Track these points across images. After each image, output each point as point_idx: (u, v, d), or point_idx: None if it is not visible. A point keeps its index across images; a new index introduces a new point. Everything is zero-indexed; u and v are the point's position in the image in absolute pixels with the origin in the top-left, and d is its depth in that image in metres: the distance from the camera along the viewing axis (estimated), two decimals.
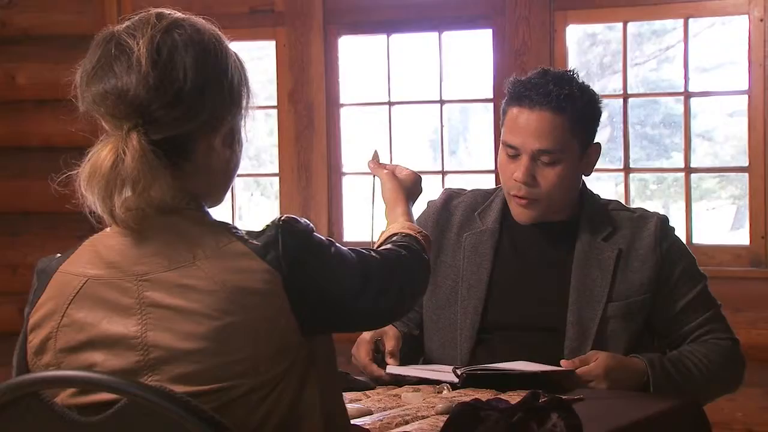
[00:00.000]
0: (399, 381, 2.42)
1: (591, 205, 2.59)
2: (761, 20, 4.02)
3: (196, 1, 4.54)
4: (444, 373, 2.36)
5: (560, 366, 2.38)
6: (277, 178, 4.78)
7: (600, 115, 2.59)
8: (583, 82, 2.57)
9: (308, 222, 1.67)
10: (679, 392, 2.41)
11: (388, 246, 1.81)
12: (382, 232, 1.93)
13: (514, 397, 2.03)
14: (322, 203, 4.57)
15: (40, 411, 1.56)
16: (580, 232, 2.54)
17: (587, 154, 2.57)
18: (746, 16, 4.07)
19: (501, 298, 2.55)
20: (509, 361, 2.40)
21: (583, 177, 2.63)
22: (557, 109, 2.48)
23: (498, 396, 2.07)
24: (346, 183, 4.64)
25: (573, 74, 2.57)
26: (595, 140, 2.59)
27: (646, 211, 2.60)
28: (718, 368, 2.49)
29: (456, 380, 2.31)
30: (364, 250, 1.73)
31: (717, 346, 2.51)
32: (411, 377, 2.41)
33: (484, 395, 2.15)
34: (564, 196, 2.55)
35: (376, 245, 1.86)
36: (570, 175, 2.53)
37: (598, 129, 2.61)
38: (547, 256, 2.56)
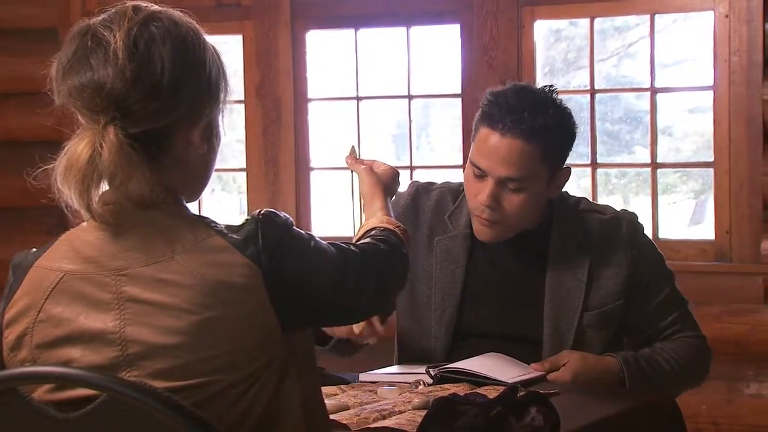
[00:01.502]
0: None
1: (562, 208, 2.55)
2: (726, 16, 4.05)
3: None
4: (418, 375, 2.35)
5: (520, 362, 2.38)
6: (240, 173, 4.76)
7: (574, 139, 2.49)
8: (560, 104, 2.47)
9: (287, 216, 1.66)
10: (652, 387, 2.42)
11: (367, 240, 1.80)
12: (361, 227, 1.93)
13: (491, 392, 2.03)
14: (290, 198, 4.55)
15: (18, 407, 1.54)
16: (552, 239, 2.52)
17: (556, 178, 2.50)
18: (711, 12, 4.10)
19: (476, 307, 2.54)
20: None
21: None
22: (530, 139, 2.39)
23: (476, 391, 2.07)
24: (314, 178, 4.63)
25: (551, 95, 2.46)
26: (566, 164, 2.51)
27: (617, 211, 2.57)
28: (687, 364, 2.52)
29: (429, 382, 2.30)
30: (343, 244, 1.72)
31: (686, 344, 2.54)
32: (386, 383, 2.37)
33: (461, 390, 2.15)
34: (527, 218, 2.50)
35: (354, 239, 1.86)
36: (535, 201, 2.47)
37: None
38: (521, 263, 2.54)
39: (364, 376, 2.40)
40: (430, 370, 2.32)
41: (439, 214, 2.60)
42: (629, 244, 2.51)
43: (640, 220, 2.59)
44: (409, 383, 2.31)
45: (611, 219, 2.55)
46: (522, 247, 2.53)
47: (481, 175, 2.44)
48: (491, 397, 1.85)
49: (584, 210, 2.56)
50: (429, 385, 2.29)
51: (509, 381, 2.25)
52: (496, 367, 2.33)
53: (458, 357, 2.48)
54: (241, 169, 4.68)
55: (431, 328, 2.54)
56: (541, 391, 1.95)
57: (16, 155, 4.75)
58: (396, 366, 2.53)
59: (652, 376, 2.45)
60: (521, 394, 1.85)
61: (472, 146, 2.48)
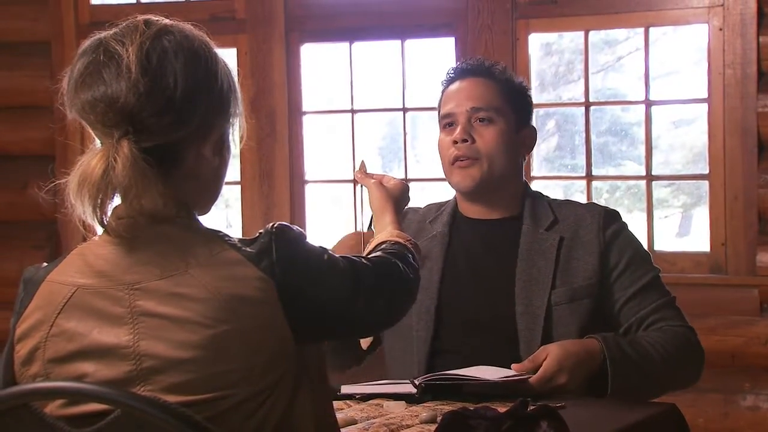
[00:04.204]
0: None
1: (535, 199, 2.63)
2: (720, 29, 4.07)
3: (157, 7, 4.51)
4: (401, 386, 2.31)
5: (511, 369, 2.34)
6: (227, 187, 4.75)
7: (530, 100, 2.68)
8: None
9: (300, 229, 1.66)
10: (639, 373, 2.38)
11: (378, 253, 1.80)
12: (371, 240, 1.93)
13: (500, 407, 2.02)
14: (285, 211, 4.54)
15: (31, 422, 1.53)
16: (524, 225, 2.58)
17: (521, 135, 2.63)
18: (706, 25, 4.12)
19: (453, 297, 2.57)
20: (466, 366, 2.38)
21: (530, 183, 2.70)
22: (487, 76, 2.63)
23: (486, 405, 2.06)
24: (309, 191, 4.62)
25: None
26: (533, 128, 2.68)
27: (596, 204, 2.66)
28: (675, 351, 2.46)
29: (414, 391, 2.27)
30: (354, 258, 1.72)
31: (672, 331, 2.49)
32: (367, 395, 2.33)
33: (469, 403, 2.14)
34: (503, 162, 2.58)
35: (365, 253, 1.86)
36: (507, 139, 2.59)
37: (532, 116, 2.70)
38: (495, 253, 2.59)
39: (346, 389, 2.36)
40: (414, 380, 2.30)
41: (422, 223, 2.70)
42: (601, 227, 2.56)
43: (621, 217, 2.61)
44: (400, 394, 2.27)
45: (586, 206, 2.64)
46: (496, 236, 2.60)
47: (451, 122, 2.61)
48: (502, 411, 1.85)
49: (560, 203, 2.65)
50: (411, 401, 2.24)
51: (496, 379, 2.25)
52: (479, 372, 2.31)
53: (438, 354, 2.53)
54: (235, 183, 4.67)
55: (411, 323, 2.55)
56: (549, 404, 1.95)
57: (5, 169, 4.73)
58: (382, 380, 2.49)
59: (635, 359, 2.40)
60: (531, 407, 1.84)
61: (439, 113, 2.66)
